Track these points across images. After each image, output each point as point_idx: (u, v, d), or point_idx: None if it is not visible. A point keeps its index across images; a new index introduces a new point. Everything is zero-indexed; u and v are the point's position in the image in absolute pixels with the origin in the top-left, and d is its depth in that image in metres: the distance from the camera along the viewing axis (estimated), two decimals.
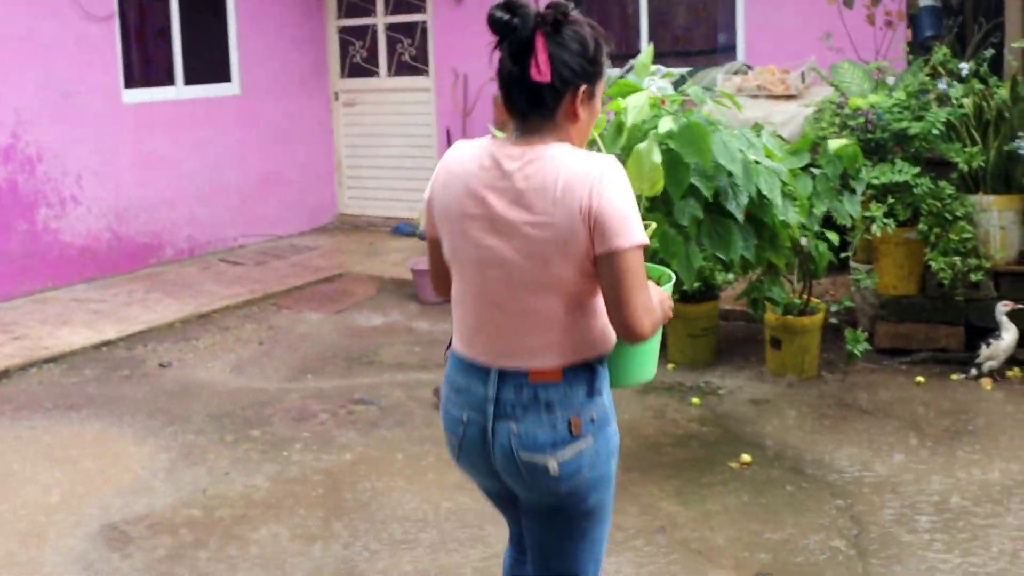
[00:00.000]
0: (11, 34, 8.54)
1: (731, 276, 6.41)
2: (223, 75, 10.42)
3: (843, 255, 6.48)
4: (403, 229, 10.79)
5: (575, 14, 2.62)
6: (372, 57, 11.21)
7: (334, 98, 11.44)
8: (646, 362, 2.97)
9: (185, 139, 9.97)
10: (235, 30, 10.41)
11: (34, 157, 8.78)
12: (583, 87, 2.61)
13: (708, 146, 4.83)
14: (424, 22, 10.77)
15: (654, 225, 3.19)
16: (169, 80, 9.97)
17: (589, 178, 2.52)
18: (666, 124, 4.93)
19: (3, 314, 8.22)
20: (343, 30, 11.33)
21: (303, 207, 11.19)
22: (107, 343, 7.53)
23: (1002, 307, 6.18)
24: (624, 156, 5.13)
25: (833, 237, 5.95)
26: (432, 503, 4.93)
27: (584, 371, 2.68)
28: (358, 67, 11.33)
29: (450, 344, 2.92)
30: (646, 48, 5.59)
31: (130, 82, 9.57)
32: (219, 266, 9.69)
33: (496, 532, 4.59)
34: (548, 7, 2.58)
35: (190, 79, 10.08)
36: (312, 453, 5.55)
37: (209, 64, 10.34)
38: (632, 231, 2.52)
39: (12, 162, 8.64)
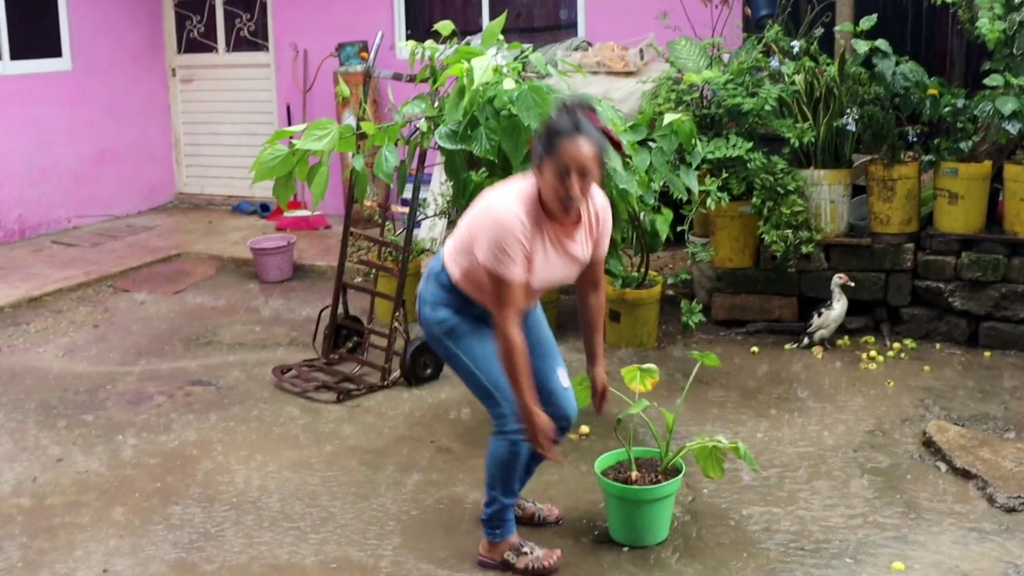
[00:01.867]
0: None
1: None
2: (53, 50, 10.06)
3: (680, 229, 6.61)
4: (243, 207, 10.62)
5: (572, 116, 3.72)
6: (210, 32, 10.97)
7: (171, 74, 11.17)
8: (644, 526, 4.25)
9: (12, 117, 9.62)
10: (66, 3, 10.05)
11: None
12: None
13: (547, 110, 4.87)
14: None
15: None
16: None
17: (482, 206, 3.85)
18: (509, 84, 5.02)
19: None
20: (180, 4, 11.04)
21: (140, 186, 10.91)
22: None
23: (838, 279, 6.41)
24: (464, 122, 5.16)
25: (668, 213, 6.04)
26: (270, 483, 4.89)
27: (443, 277, 3.99)
28: (195, 42, 11.07)
29: None
30: (493, 21, 5.58)
31: None
32: (52, 248, 9.39)
33: (338, 510, 4.59)
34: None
35: (16, 54, 9.72)
36: (148, 436, 5.45)
37: (37, 38, 9.96)
38: (482, 253, 3.74)
39: None
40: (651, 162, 5.57)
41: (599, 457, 4.45)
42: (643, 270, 6.50)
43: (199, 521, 4.55)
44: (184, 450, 5.28)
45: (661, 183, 5.72)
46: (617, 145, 3.98)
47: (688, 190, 5.86)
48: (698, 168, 6.02)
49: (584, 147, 3.67)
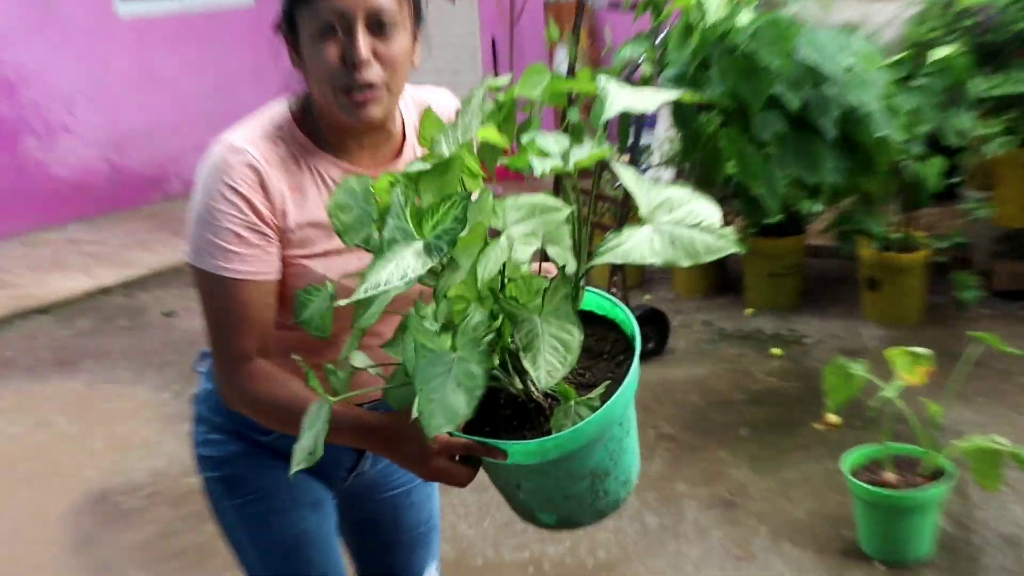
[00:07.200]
0: None
1: (819, 206, 6.20)
2: None
3: (952, 181, 6.16)
4: None
5: None
6: None
7: None
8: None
9: (191, 58, 9.93)
10: None
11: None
12: None
13: (791, 45, 4.71)
14: None
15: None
16: None
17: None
18: (744, 18, 4.82)
19: None
20: None
21: None
22: (104, 290, 7.63)
23: None
24: (693, 64, 4.99)
25: (938, 161, 5.67)
26: None
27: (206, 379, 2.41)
28: None
29: None
30: None
31: None
32: None
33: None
34: None
35: None
36: None
37: None
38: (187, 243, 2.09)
39: None
40: (917, 102, 5.27)
41: (848, 453, 4.07)
42: (907, 230, 6.11)
43: None
44: None
45: (929, 128, 5.37)
46: None
47: (962, 134, 5.50)
48: (976, 108, 5.61)
49: None
